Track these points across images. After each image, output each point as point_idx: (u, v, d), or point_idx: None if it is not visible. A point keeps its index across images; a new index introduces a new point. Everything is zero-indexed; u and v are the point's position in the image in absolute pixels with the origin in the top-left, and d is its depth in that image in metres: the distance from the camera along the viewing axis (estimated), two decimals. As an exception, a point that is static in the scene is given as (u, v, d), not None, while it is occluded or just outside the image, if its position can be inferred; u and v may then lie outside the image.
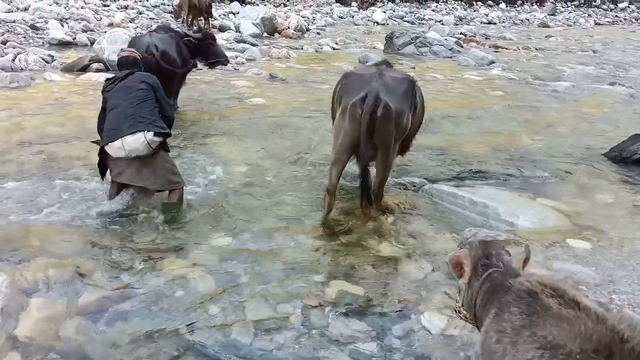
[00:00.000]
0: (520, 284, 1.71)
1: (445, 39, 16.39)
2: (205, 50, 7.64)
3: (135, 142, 4.16)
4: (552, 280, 1.67)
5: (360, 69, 4.54)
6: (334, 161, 4.19)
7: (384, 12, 29.67)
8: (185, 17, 17.34)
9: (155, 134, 4.23)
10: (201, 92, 8.86)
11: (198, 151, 5.91)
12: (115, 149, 4.19)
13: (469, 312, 2.00)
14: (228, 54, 12.41)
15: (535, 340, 1.46)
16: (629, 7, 40.92)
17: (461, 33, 20.60)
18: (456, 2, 37.83)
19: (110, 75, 4.69)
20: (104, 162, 4.38)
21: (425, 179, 5.17)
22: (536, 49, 17.31)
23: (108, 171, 4.42)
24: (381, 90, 3.85)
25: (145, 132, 4.17)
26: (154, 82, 4.49)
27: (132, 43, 6.76)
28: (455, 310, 2.20)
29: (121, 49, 5.03)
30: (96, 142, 4.55)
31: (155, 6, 22.78)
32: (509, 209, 4.31)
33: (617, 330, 1.40)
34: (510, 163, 5.79)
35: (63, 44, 13.25)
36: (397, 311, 3.09)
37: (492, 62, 13.43)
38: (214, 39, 8.00)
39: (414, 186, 4.98)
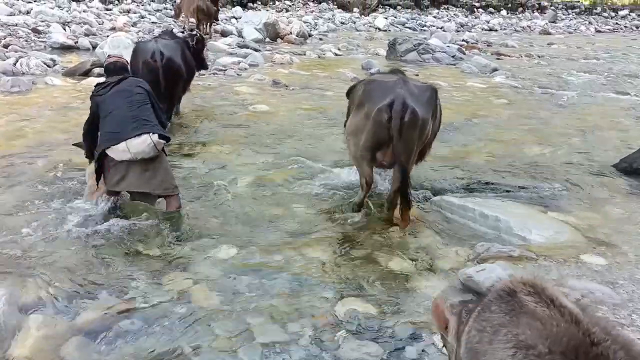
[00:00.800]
0: (502, 284, 1.68)
1: (448, 46, 16.35)
2: (195, 55, 7.56)
3: (142, 144, 4.11)
4: (532, 278, 1.63)
5: (381, 75, 4.61)
6: (360, 157, 4.29)
7: (386, 18, 29.61)
8: (187, 19, 17.29)
9: (160, 136, 4.21)
10: (204, 97, 8.77)
11: (201, 159, 5.81)
12: (120, 151, 4.10)
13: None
14: (230, 59, 12.48)
15: (510, 340, 1.45)
16: (629, 15, 40.96)
17: (463, 40, 20.52)
18: (457, 9, 37.80)
19: (101, 80, 4.59)
20: (102, 168, 4.25)
21: (434, 190, 5.08)
22: (538, 57, 17.25)
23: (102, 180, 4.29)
24: (407, 97, 3.96)
25: (151, 134, 4.14)
26: (147, 87, 4.51)
27: (137, 48, 6.68)
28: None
29: (108, 55, 4.98)
30: (78, 145, 4.54)
31: (158, 10, 22.73)
32: (520, 223, 4.21)
33: (589, 333, 1.35)
34: (519, 174, 5.69)
35: (65, 48, 13.16)
36: (409, 332, 2.98)
37: (495, 70, 13.35)
38: (205, 44, 7.95)
39: (423, 198, 4.87)
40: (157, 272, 3.55)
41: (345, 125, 4.75)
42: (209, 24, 17.48)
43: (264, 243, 4.02)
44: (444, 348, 1.94)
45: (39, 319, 2.89)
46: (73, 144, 4.84)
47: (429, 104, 4.09)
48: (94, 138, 4.40)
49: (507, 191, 5.14)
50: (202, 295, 3.30)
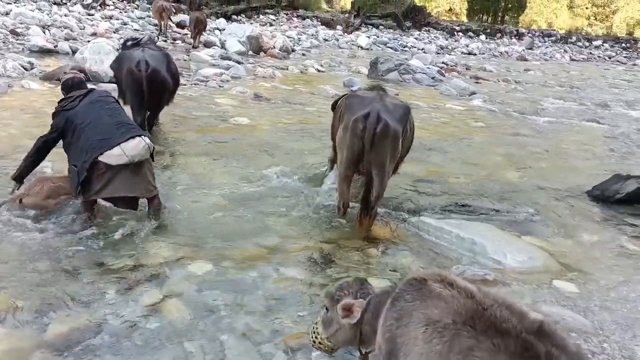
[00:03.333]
0: (413, 275, 1.97)
1: (428, 67, 16.61)
2: None
3: (137, 147, 4.13)
4: (439, 271, 1.98)
5: (362, 92, 4.86)
6: (342, 178, 4.55)
7: (368, 37, 30.04)
8: (191, 31, 17.76)
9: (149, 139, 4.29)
10: (184, 108, 8.70)
11: (179, 170, 5.75)
12: (116, 156, 4.04)
13: (341, 343, 2.34)
14: (212, 70, 12.45)
15: (421, 320, 1.73)
16: (602, 45, 42.32)
17: (443, 62, 20.89)
18: (438, 32, 38.55)
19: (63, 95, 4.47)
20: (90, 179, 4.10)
21: (410, 210, 5.11)
22: (516, 82, 17.65)
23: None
24: (382, 111, 4.23)
25: (142, 136, 4.19)
26: (115, 98, 4.61)
27: (123, 55, 6.58)
28: (314, 342, 2.45)
29: (64, 72, 4.93)
30: (17, 176, 4.30)
31: (141, 18, 22.58)
32: (496, 247, 4.25)
33: (481, 302, 1.70)
34: (495, 197, 5.77)
35: (44, 52, 12.95)
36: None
37: (473, 93, 13.60)
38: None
39: (400, 218, 4.90)
40: (128, 285, 3.47)
41: (332, 139, 5.10)
42: (198, 34, 17.57)
43: (239, 258, 3.97)
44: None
45: (3, 332, 2.79)
46: (13, 178, 4.38)
47: (401, 119, 4.35)
48: (39, 159, 4.31)
49: (483, 214, 5.20)
50: (174, 311, 3.23)
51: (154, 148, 4.40)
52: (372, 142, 4.20)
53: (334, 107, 5.13)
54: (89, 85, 4.77)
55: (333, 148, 5.27)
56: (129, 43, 6.86)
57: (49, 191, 4.41)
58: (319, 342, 2.43)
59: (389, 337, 1.87)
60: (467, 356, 1.54)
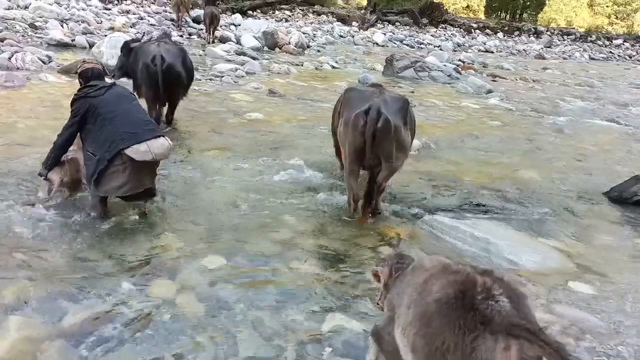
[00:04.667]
0: (417, 260, 2.43)
1: (444, 65, 16.50)
2: None
3: (162, 147, 4.20)
4: (437, 256, 2.40)
5: (360, 86, 4.85)
6: (349, 172, 4.60)
7: (384, 34, 29.89)
8: (206, 25, 17.88)
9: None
10: (199, 103, 8.73)
11: (193, 165, 5.76)
12: (142, 152, 4.06)
13: (388, 306, 2.51)
14: (227, 65, 12.47)
15: (414, 285, 2.12)
16: (623, 44, 41.63)
17: (459, 60, 20.73)
18: (455, 29, 38.23)
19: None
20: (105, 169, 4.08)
21: (425, 208, 5.07)
22: (533, 80, 17.44)
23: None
24: (381, 105, 4.27)
25: (165, 137, 4.26)
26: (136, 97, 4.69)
27: (139, 50, 6.62)
28: (377, 303, 2.72)
29: (83, 61, 4.90)
30: (49, 166, 4.29)
31: (157, 13, 22.71)
32: (511, 247, 4.21)
33: (452, 264, 2.12)
34: (510, 197, 5.70)
35: (61, 45, 13.10)
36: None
37: (490, 91, 13.46)
38: None
39: (414, 216, 4.87)
40: (142, 277, 3.50)
41: (333, 133, 5.39)
42: (212, 29, 17.60)
43: (253, 253, 3.98)
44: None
45: (19, 321, 2.83)
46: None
47: (401, 112, 4.41)
48: (67, 147, 4.32)
49: (498, 213, 5.15)
50: (187, 304, 3.25)
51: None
52: (373, 137, 4.24)
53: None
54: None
55: (335, 143, 5.38)
56: (132, 45, 6.88)
57: (76, 165, 4.48)
58: (378, 303, 2.69)
59: (390, 306, 2.32)
60: (428, 291, 1.97)
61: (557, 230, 4.94)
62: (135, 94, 4.58)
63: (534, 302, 3.53)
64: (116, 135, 4.04)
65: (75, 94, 4.28)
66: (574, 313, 3.47)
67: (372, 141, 4.25)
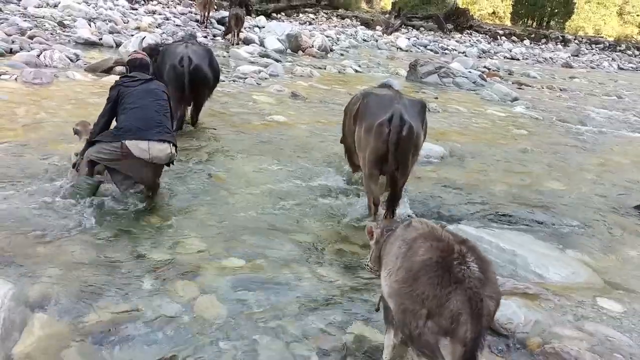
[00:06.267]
0: (408, 221, 2.78)
1: (469, 71, 16.31)
2: None
3: (162, 152, 4.27)
4: (426, 220, 2.74)
5: (377, 90, 4.94)
6: (368, 176, 4.60)
7: (408, 38, 29.76)
8: (230, 29, 17.96)
9: (175, 149, 4.44)
10: (222, 105, 8.76)
11: (215, 166, 5.77)
12: (140, 149, 4.18)
13: (375, 264, 2.90)
14: (251, 67, 12.51)
15: (404, 240, 2.52)
16: (653, 54, 40.83)
17: (484, 67, 20.49)
18: (480, 35, 37.88)
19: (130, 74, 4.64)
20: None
21: (449, 217, 4.99)
22: (560, 89, 17.15)
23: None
24: (403, 112, 4.29)
25: (171, 144, 4.31)
26: (168, 95, 4.70)
27: (167, 51, 6.70)
28: (366, 265, 3.07)
29: (134, 50, 5.06)
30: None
31: (183, 14, 22.95)
32: (538, 260, 4.10)
33: (438, 230, 2.50)
34: (537, 208, 5.58)
35: (89, 44, 13.30)
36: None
37: (516, 99, 13.27)
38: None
39: (438, 225, 4.77)
40: (164, 277, 3.50)
41: (341, 141, 5.54)
42: (237, 31, 17.68)
43: (274, 256, 3.96)
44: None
45: (43, 318, 2.84)
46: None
47: (420, 117, 4.52)
48: (107, 126, 4.46)
49: (524, 225, 5.04)
50: (209, 306, 3.24)
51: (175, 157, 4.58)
52: (397, 145, 4.28)
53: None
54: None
55: (346, 146, 5.37)
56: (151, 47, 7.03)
57: None
58: (367, 265, 3.04)
59: (389, 252, 2.66)
60: (415, 251, 2.39)
61: (585, 244, 4.81)
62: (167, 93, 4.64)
63: (561, 317, 3.44)
64: (127, 125, 4.23)
65: (115, 81, 4.52)
66: (603, 330, 3.34)
67: (396, 148, 4.28)
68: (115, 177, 4.47)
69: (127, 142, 4.17)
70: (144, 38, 11.78)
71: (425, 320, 2.24)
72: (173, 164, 4.63)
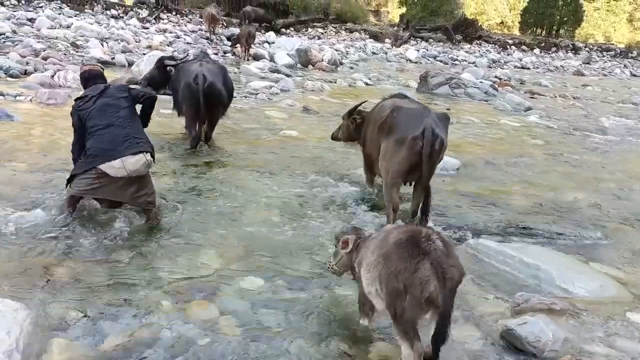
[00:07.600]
0: (385, 227, 3.21)
1: (480, 82, 16.25)
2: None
3: (137, 163, 4.20)
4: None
5: (404, 103, 5.08)
6: (391, 185, 4.78)
7: (417, 50, 29.76)
8: (241, 43, 18.17)
9: (151, 155, 4.35)
10: (234, 120, 8.77)
11: (229, 183, 5.74)
12: (116, 168, 4.13)
13: (342, 268, 3.30)
14: (262, 83, 12.55)
15: (378, 239, 2.87)
16: (666, 60, 40.42)
17: (496, 76, 20.39)
18: (490, 45, 37.79)
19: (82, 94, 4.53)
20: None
21: (469, 231, 4.89)
22: (574, 98, 16.99)
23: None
24: (434, 125, 4.52)
25: (145, 153, 4.23)
26: (131, 93, 4.56)
27: (182, 69, 6.73)
28: (329, 267, 3.37)
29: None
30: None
31: (193, 31, 23.19)
32: (563, 274, 3.98)
33: (415, 230, 2.78)
34: (558, 220, 5.46)
35: (102, 64, 13.35)
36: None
37: (529, 109, 13.15)
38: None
39: (458, 240, 4.69)
40: (181, 297, 3.44)
41: (332, 137, 6.10)
42: (247, 47, 17.79)
43: (292, 276, 3.89)
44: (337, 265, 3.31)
45: (62, 343, 2.80)
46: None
47: (445, 129, 4.77)
48: (82, 151, 4.40)
49: (546, 237, 4.92)
50: (227, 328, 3.17)
51: (153, 163, 4.45)
52: (430, 157, 4.50)
53: (350, 113, 5.67)
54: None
55: (366, 161, 5.51)
56: (167, 62, 7.10)
57: None
58: (331, 268, 3.35)
59: (358, 261, 3.00)
60: (387, 239, 2.76)
61: (611, 256, 4.68)
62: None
63: (591, 334, 3.33)
64: (94, 150, 4.17)
65: (72, 106, 4.43)
66: (636, 347, 3.23)
67: (429, 160, 4.50)
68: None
69: (101, 166, 4.12)
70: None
71: (404, 296, 2.54)
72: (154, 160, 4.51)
